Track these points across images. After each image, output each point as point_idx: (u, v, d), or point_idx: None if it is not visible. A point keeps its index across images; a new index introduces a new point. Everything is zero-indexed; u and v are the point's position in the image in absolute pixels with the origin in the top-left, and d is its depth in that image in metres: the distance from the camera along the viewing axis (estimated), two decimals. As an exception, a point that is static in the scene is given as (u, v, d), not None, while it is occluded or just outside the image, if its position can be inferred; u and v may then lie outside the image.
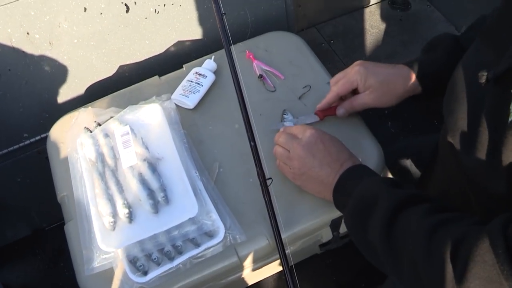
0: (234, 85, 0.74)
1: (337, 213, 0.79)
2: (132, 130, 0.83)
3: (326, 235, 0.85)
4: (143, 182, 0.77)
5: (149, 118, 0.85)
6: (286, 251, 0.72)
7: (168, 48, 1.06)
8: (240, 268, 0.78)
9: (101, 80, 1.04)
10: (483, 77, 0.49)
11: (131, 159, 0.79)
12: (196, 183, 0.77)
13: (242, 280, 0.91)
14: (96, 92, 1.04)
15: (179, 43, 1.06)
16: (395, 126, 1.51)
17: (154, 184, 0.77)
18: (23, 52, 0.93)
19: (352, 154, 0.74)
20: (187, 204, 0.75)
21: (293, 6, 1.14)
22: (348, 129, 0.86)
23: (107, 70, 1.04)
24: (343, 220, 0.84)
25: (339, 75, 0.82)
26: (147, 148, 0.81)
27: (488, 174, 0.49)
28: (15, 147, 1.08)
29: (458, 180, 0.61)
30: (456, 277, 0.46)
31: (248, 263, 0.77)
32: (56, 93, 1.03)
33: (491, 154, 0.48)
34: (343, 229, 0.86)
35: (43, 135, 1.08)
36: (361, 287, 1.16)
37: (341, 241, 0.90)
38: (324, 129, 0.85)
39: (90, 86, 1.05)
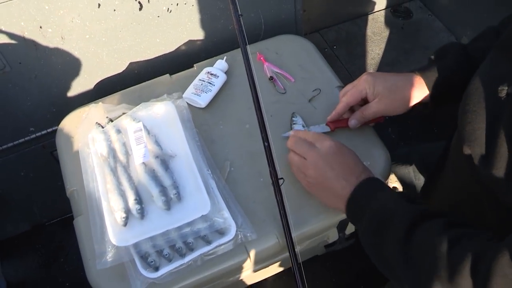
0: (250, 86, 0.75)
1: (345, 215, 0.81)
2: (144, 127, 0.83)
3: (333, 235, 0.86)
4: (155, 178, 0.78)
5: (162, 116, 0.86)
6: (296, 250, 0.73)
7: (179, 47, 1.06)
8: (249, 266, 0.79)
9: (110, 77, 1.05)
10: (503, 91, 0.51)
11: (143, 155, 0.80)
12: (209, 181, 0.78)
13: (248, 278, 0.92)
14: (105, 89, 1.04)
15: (190, 42, 1.06)
16: (396, 132, 1.53)
17: (166, 181, 0.77)
18: (35, 45, 0.93)
19: (366, 167, 0.74)
20: (199, 202, 0.75)
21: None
22: (356, 133, 0.87)
23: (117, 67, 1.04)
24: (348, 223, 0.85)
25: (347, 87, 0.83)
26: (159, 145, 0.82)
27: (507, 185, 0.51)
28: (20, 140, 1.07)
29: (471, 189, 0.63)
30: None
31: (257, 261, 0.78)
32: (65, 88, 1.02)
33: (510, 166, 0.50)
34: (349, 230, 0.87)
35: (49, 130, 1.08)
36: (360, 290, 1.17)
37: (346, 242, 0.91)
38: (332, 133, 0.87)
39: (99, 82, 1.05)
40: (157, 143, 0.82)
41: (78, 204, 0.82)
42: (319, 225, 0.79)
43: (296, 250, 0.74)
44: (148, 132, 0.83)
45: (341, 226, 0.84)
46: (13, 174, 1.14)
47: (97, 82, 1.05)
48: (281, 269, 1.17)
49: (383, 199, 0.65)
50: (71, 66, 0.99)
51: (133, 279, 0.71)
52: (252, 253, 0.76)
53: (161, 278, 0.71)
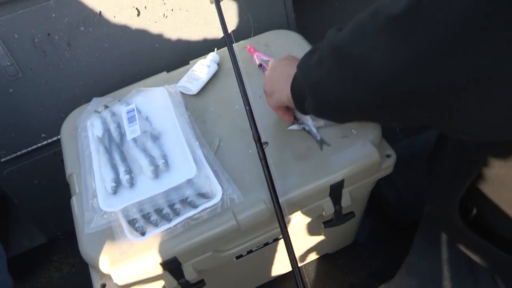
0: (229, 50, 0.78)
1: (336, 179, 0.79)
2: (137, 108, 0.88)
3: (328, 207, 0.84)
4: (144, 150, 0.80)
5: (154, 99, 0.90)
6: (286, 221, 0.71)
7: (177, 50, 1.13)
8: (239, 234, 0.77)
9: (114, 82, 1.12)
10: None
11: (135, 131, 0.83)
12: (196, 151, 0.80)
13: (250, 254, 0.90)
14: (109, 93, 1.11)
15: (187, 44, 1.13)
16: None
17: (155, 152, 0.80)
18: (44, 52, 1.02)
19: None
20: (185, 168, 0.77)
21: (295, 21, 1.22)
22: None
23: (120, 73, 1.11)
24: (343, 193, 0.83)
25: None
26: (150, 123, 0.85)
27: None
28: (33, 147, 1.14)
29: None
30: None
31: (246, 228, 0.77)
32: (73, 94, 1.10)
33: None
34: (345, 202, 0.85)
35: (59, 136, 1.14)
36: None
37: (345, 218, 0.88)
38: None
39: (104, 88, 1.12)
40: (148, 120, 0.85)
41: (75, 186, 0.85)
42: (309, 189, 0.78)
43: (284, 212, 0.73)
44: (140, 112, 0.87)
45: (335, 195, 0.82)
46: (27, 182, 1.20)
47: (102, 88, 1.12)
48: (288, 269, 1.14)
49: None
50: (77, 72, 1.07)
51: (119, 243, 0.72)
52: (240, 219, 0.75)
53: (147, 242, 0.71)
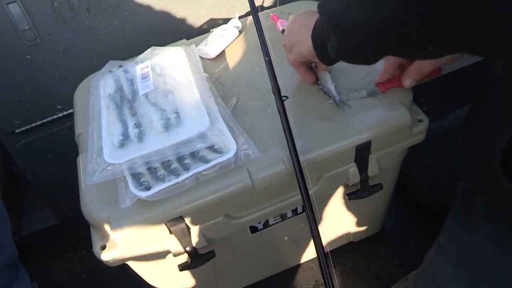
0: (249, 2, 0.73)
1: (362, 139, 0.72)
2: (152, 66, 0.83)
3: (353, 176, 0.76)
4: (156, 105, 0.75)
5: (171, 59, 0.86)
6: (308, 186, 0.64)
7: (199, 21, 1.09)
8: (254, 196, 0.70)
9: (133, 53, 1.08)
10: None
11: (148, 87, 0.78)
12: (210, 105, 0.74)
13: (266, 229, 0.82)
14: (127, 64, 1.07)
15: (210, 16, 1.09)
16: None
17: (167, 107, 0.75)
18: (63, 17, 0.99)
19: None
20: (198, 121, 0.71)
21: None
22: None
23: (139, 42, 1.07)
24: (369, 159, 0.75)
25: None
26: (164, 80, 0.80)
27: None
28: (48, 119, 1.10)
29: None
30: None
31: (263, 190, 0.70)
32: (90, 63, 1.07)
33: None
34: (372, 171, 0.77)
35: (75, 109, 1.11)
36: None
37: (371, 189, 0.80)
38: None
39: (122, 58, 1.08)
40: (162, 77, 0.81)
41: (83, 145, 0.80)
42: (331, 149, 0.71)
43: (304, 173, 0.66)
44: (154, 69, 0.82)
45: (361, 161, 0.75)
46: (41, 157, 1.16)
47: (121, 58, 1.08)
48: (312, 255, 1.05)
49: None
50: (96, 40, 1.04)
51: (122, 196, 0.66)
52: (256, 179, 0.68)
53: (151, 196, 0.65)
